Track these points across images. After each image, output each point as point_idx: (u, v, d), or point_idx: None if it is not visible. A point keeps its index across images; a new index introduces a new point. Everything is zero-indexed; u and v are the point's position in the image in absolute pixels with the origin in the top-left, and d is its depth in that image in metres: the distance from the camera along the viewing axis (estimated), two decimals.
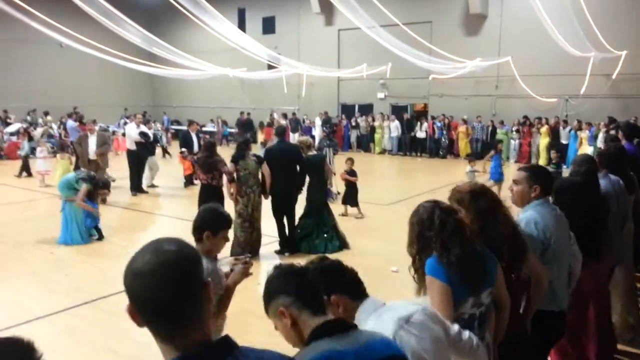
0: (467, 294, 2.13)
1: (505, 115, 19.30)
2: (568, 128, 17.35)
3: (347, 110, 23.81)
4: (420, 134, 20.41)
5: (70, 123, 15.76)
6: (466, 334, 2.00)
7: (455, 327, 1.96)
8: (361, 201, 9.53)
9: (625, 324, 4.28)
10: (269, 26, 25.61)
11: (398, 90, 22.38)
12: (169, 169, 13.31)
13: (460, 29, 20.57)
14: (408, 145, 20.82)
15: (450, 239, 2.10)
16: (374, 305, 1.75)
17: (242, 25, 24.82)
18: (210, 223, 2.75)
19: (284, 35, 24.78)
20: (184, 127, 15.78)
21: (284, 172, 7.03)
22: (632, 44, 16.69)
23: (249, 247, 7.00)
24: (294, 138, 17.96)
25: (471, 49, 19.29)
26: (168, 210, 10.53)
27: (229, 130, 24.33)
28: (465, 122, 19.62)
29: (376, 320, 1.69)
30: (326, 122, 21.36)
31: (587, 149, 15.85)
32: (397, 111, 22.08)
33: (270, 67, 22.57)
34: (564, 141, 17.20)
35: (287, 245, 7.22)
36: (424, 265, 2.16)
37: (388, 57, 18.92)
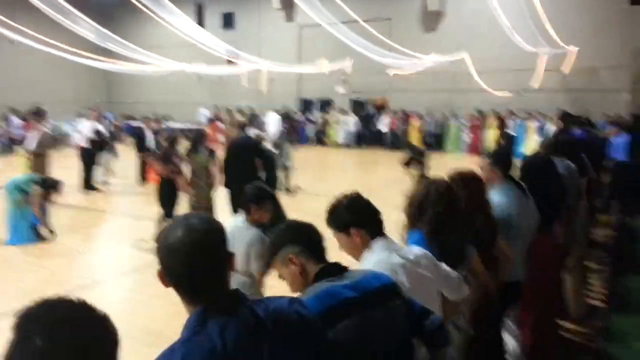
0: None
1: (461, 108, 19.72)
2: (517, 120, 17.92)
3: (308, 105, 23.81)
4: (383, 127, 20.61)
5: (16, 120, 15.14)
6: (453, 272, 2.21)
7: (445, 266, 2.18)
8: (324, 195, 9.52)
9: (575, 301, 4.46)
10: (228, 21, 25.32)
11: (358, 85, 22.48)
12: (123, 166, 12.96)
13: (419, 26, 20.87)
14: (367, 139, 21.00)
15: (442, 222, 2.27)
16: (386, 244, 1.99)
17: (200, 21, 24.44)
18: (253, 197, 3.24)
19: (244, 30, 24.55)
20: (140, 124, 15.43)
21: (242, 165, 6.96)
22: (581, 40, 17.30)
23: None
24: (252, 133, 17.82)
25: (429, 45, 19.58)
26: (122, 209, 10.27)
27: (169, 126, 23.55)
28: (420, 117, 19.96)
29: (387, 255, 1.93)
30: (286, 116, 21.39)
31: (535, 140, 16.49)
32: (358, 106, 22.25)
33: (229, 62, 22.29)
34: (512, 133, 17.81)
35: None
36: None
37: (349, 53, 18.96)
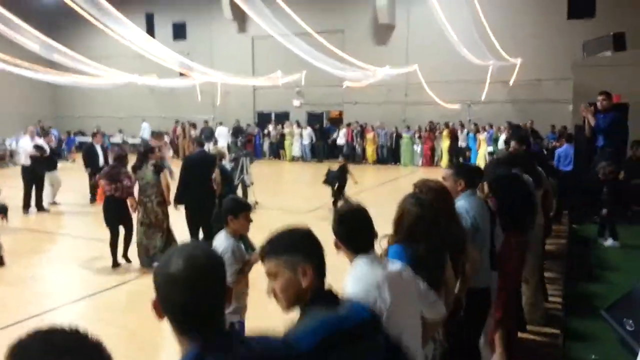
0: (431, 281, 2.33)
1: (415, 121, 20.14)
2: (465, 131, 18.54)
3: (264, 118, 23.73)
4: (340, 140, 20.80)
5: None
6: (430, 290, 2.26)
7: (422, 284, 2.21)
8: (282, 209, 9.50)
9: (532, 307, 4.61)
10: (179, 32, 24.97)
11: (313, 97, 22.63)
12: (72, 184, 12.46)
13: (371, 38, 21.25)
14: (323, 152, 21.14)
15: (423, 236, 2.37)
16: (370, 260, 2.01)
17: (150, 31, 23.95)
18: (230, 209, 3.42)
19: (196, 41, 24.27)
20: (89, 139, 14.90)
21: (200, 182, 6.83)
22: (526, 53, 18.10)
23: (160, 254, 6.83)
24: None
25: (381, 57, 19.95)
26: (72, 230, 9.84)
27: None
28: (373, 129, 20.28)
29: (368, 269, 1.96)
30: (237, 130, 21.23)
31: (487, 150, 17.12)
32: (313, 118, 22.37)
33: (182, 74, 21.93)
34: (462, 144, 18.40)
35: None
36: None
37: (303, 65, 19.05)
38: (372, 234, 2.08)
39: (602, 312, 4.08)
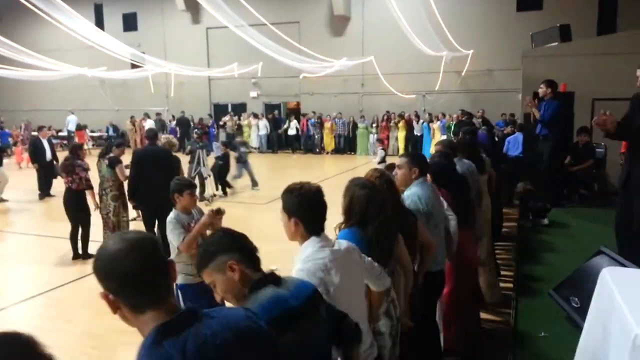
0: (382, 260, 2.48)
1: (371, 111, 20.34)
2: (421, 121, 18.90)
3: (220, 109, 23.41)
4: (291, 131, 20.77)
5: None
6: (375, 264, 2.37)
7: (368, 258, 2.33)
8: (239, 201, 9.43)
9: (488, 288, 4.79)
10: (130, 23, 24.22)
11: (270, 89, 22.50)
12: (20, 180, 11.98)
13: (327, 30, 21.26)
14: (277, 143, 21.08)
15: (377, 220, 2.46)
16: (318, 241, 2.09)
17: (99, 22, 23.16)
18: (175, 189, 3.80)
19: (148, 32, 23.62)
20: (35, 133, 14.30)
21: (153, 177, 6.60)
22: (477, 44, 18.55)
23: None
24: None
25: (338, 48, 20.02)
26: (21, 227, 9.45)
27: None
28: (330, 118, 20.40)
29: (319, 247, 2.06)
30: (180, 122, 21.08)
31: (441, 138, 17.48)
32: (271, 109, 22.24)
33: (134, 66, 21.34)
34: (417, 133, 18.80)
35: None
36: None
37: (259, 56, 18.90)
38: (324, 219, 2.15)
39: (550, 292, 4.29)
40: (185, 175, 9.86)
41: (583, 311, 3.05)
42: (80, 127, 21.19)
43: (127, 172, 6.82)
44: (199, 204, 5.67)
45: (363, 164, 16.21)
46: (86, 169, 6.91)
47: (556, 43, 10.25)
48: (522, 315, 4.33)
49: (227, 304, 1.73)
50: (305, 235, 2.11)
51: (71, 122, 22.35)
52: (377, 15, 19.46)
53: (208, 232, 3.51)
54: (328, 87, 21.00)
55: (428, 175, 3.45)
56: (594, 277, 2.87)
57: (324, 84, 20.77)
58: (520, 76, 10.67)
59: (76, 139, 17.95)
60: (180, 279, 3.58)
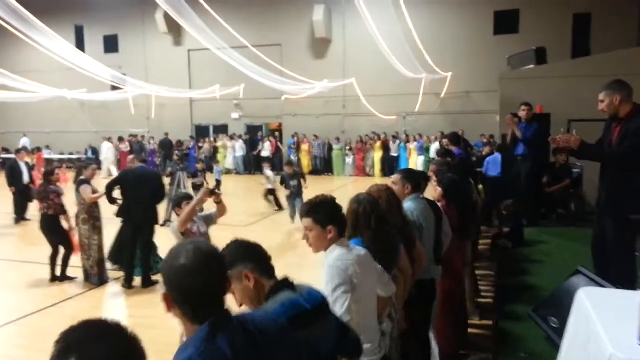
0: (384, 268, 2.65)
1: (352, 132, 20.49)
2: (397, 142, 19.09)
3: (202, 131, 23.37)
4: (264, 152, 20.69)
5: None
6: (384, 272, 2.60)
7: (379, 266, 2.55)
8: (218, 223, 9.30)
9: (470, 302, 4.87)
10: (111, 45, 24.18)
11: (252, 110, 22.55)
12: None
13: (308, 52, 21.49)
14: (251, 165, 20.96)
15: (376, 231, 2.64)
16: (345, 243, 2.36)
17: (80, 44, 23.09)
18: (175, 202, 4.51)
19: (129, 54, 23.60)
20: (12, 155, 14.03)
21: (138, 199, 6.60)
22: (455, 66, 18.91)
23: (94, 277, 6.77)
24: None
25: (319, 70, 20.23)
26: None
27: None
28: (307, 140, 20.48)
29: (345, 250, 2.32)
30: (163, 144, 20.91)
31: (417, 159, 17.70)
32: (253, 131, 22.25)
33: (114, 87, 21.24)
34: (394, 154, 18.96)
35: (129, 279, 6.61)
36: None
37: (241, 78, 18.97)
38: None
39: (529, 313, 4.30)
40: (167, 197, 9.79)
41: (561, 331, 3.06)
42: (38, 149, 20.61)
43: (90, 193, 6.67)
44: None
45: (342, 185, 16.25)
46: (60, 194, 6.88)
47: (532, 65, 10.49)
48: (503, 336, 4.32)
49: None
50: (336, 240, 2.35)
51: (24, 143, 21.32)
52: (357, 38, 19.74)
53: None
54: (310, 108, 21.13)
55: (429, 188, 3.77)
56: (572, 297, 2.90)
57: (305, 105, 20.91)
58: (498, 98, 10.87)
59: (34, 161, 17.41)
60: None
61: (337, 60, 21.00)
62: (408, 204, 3.45)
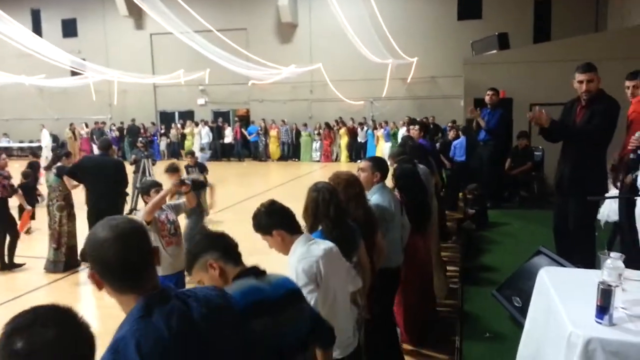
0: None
1: (321, 117, 20.47)
2: (365, 129, 19.14)
3: (167, 117, 22.93)
4: (227, 139, 20.43)
5: None
6: (351, 267, 2.66)
7: (346, 262, 2.58)
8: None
9: (438, 284, 4.95)
10: (69, 29, 23.35)
11: (219, 96, 22.24)
12: None
13: (275, 37, 21.25)
14: (216, 151, 20.70)
15: (335, 220, 2.63)
16: (307, 239, 2.35)
17: (37, 28, 22.22)
18: (141, 191, 4.53)
19: (89, 39, 22.86)
20: None
21: (100, 188, 6.41)
22: (421, 52, 19.05)
23: (60, 263, 6.65)
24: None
25: (286, 55, 20.06)
26: None
27: None
28: (276, 126, 20.28)
29: (307, 249, 2.29)
30: (131, 130, 20.43)
31: (385, 145, 17.82)
32: (220, 117, 21.95)
33: (74, 73, 20.57)
34: (361, 140, 19.02)
35: None
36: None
37: (206, 63, 18.66)
38: (295, 217, 2.40)
39: (493, 293, 4.43)
40: (130, 186, 9.59)
41: (524, 310, 3.16)
42: None
43: (73, 181, 6.62)
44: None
45: (308, 172, 16.25)
46: (7, 177, 6.67)
47: (495, 51, 10.66)
48: (468, 317, 4.44)
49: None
50: (292, 239, 2.33)
51: None
52: (324, 23, 19.64)
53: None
54: (277, 94, 20.98)
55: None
56: (534, 277, 2.98)
57: (273, 91, 20.75)
58: (462, 83, 11.02)
59: None
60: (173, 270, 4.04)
61: (304, 45, 20.86)
62: (377, 194, 3.44)
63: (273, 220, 2.31)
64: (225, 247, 1.90)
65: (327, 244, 2.40)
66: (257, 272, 1.85)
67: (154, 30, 20.99)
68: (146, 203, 4.18)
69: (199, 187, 7.08)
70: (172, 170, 5.81)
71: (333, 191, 2.72)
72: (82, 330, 1.22)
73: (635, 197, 3.91)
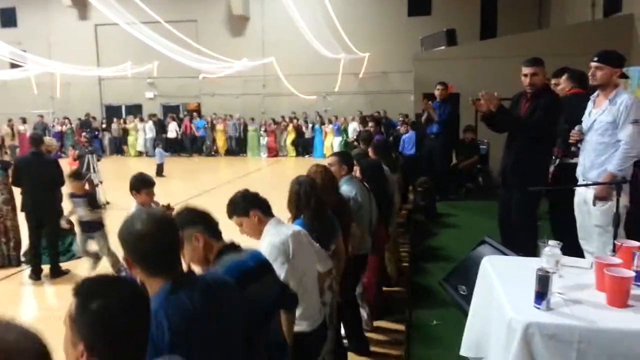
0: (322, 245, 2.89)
1: (274, 112, 20.34)
2: (310, 125, 19.13)
3: (113, 111, 22.20)
4: (171, 133, 19.83)
5: None
6: (322, 249, 2.83)
7: (317, 244, 2.77)
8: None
9: (393, 268, 5.21)
10: (8, 19, 22.23)
11: (168, 89, 21.73)
12: None
13: (226, 29, 20.94)
14: (165, 147, 20.10)
15: (315, 210, 2.85)
16: (278, 221, 2.57)
17: None
18: (133, 184, 4.14)
19: (30, 29, 21.81)
20: None
21: (35, 185, 6.13)
22: (372, 47, 19.23)
23: (4, 259, 6.43)
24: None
25: (238, 48, 19.81)
26: None
27: None
28: (224, 120, 19.91)
29: (278, 229, 2.51)
30: (84, 124, 19.63)
31: (334, 140, 17.89)
32: (170, 111, 21.45)
33: (13, 65, 19.54)
34: (307, 136, 19.02)
35: (37, 268, 6.17)
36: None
37: (155, 55, 18.14)
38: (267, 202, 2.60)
39: (440, 282, 4.53)
40: None
41: (470, 298, 3.23)
42: None
43: None
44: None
45: (257, 169, 16.12)
46: None
47: (443, 47, 10.88)
48: (416, 305, 4.52)
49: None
50: (266, 220, 2.53)
51: None
52: (276, 16, 19.51)
53: None
54: (229, 88, 20.70)
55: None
56: (478, 266, 3.06)
57: (224, 84, 20.44)
58: (412, 78, 11.20)
59: None
60: None
61: (256, 38, 20.64)
62: (345, 185, 3.67)
63: (250, 201, 2.53)
64: (208, 222, 2.05)
65: (296, 228, 2.63)
66: (236, 247, 2.09)
67: (99, 20, 20.23)
68: (134, 198, 4.13)
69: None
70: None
71: (313, 184, 2.95)
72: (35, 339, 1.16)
73: (574, 187, 4.07)
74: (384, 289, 4.78)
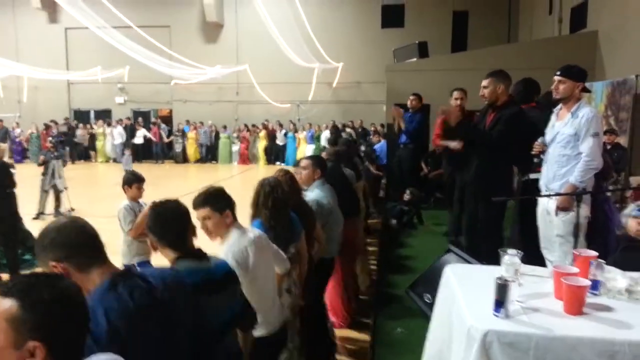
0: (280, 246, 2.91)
1: (247, 119, 20.24)
2: (283, 131, 19.09)
3: (82, 116, 21.74)
4: (138, 140, 19.35)
5: None
6: (280, 250, 2.83)
7: (274, 246, 2.79)
8: (102, 216, 8.74)
9: (362, 276, 5.23)
10: None
11: (139, 95, 21.42)
12: None
13: (200, 36, 20.81)
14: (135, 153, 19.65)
15: (273, 211, 2.89)
16: (239, 229, 2.55)
17: None
18: (125, 180, 4.34)
19: None
20: None
21: None
22: (347, 57, 19.39)
23: None
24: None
25: (211, 55, 19.69)
26: None
27: None
28: (195, 127, 19.59)
29: (239, 237, 2.50)
30: (62, 132, 19.11)
31: (307, 148, 17.90)
32: (141, 117, 21.09)
33: None
34: (280, 143, 18.96)
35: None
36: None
37: (126, 60, 17.87)
38: None
39: (406, 290, 4.54)
40: (40, 188, 8.98)
41: (434, 306, 3.24)
42: None
43: None
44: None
45: (229, 177, 15.97)
46: None
47: (415, 59, 11.03)
48: (382, 313, 4.52)
49: None
50: (233, 225, 2.52)
51: None
52: (250, 24, 19.48)
53: None
54: (202, 95, 20.54)
55: None
56: (442, 274, 3.07)
57: (197, 91, 20.28)
58: (385, 89, 11.30)
59: None
60: (138, 259, 4.08)
61: (230, 46, 20.56)
62: (317, 191, 3.73)
63: (229, 202, 2.53)
64: (177, 232, 2.04)
65: (257, 232, 2.64)
66: (202, 254, 2.06)
67: (69, 24, 19.86)
68: (126, 193, 4.30)
69: None
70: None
71: (275, 185, 2.97)
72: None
73: (536, 198, 4.15)
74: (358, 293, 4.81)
